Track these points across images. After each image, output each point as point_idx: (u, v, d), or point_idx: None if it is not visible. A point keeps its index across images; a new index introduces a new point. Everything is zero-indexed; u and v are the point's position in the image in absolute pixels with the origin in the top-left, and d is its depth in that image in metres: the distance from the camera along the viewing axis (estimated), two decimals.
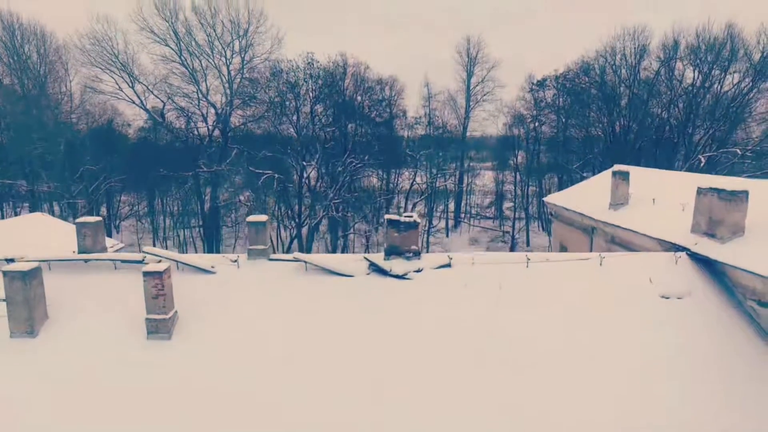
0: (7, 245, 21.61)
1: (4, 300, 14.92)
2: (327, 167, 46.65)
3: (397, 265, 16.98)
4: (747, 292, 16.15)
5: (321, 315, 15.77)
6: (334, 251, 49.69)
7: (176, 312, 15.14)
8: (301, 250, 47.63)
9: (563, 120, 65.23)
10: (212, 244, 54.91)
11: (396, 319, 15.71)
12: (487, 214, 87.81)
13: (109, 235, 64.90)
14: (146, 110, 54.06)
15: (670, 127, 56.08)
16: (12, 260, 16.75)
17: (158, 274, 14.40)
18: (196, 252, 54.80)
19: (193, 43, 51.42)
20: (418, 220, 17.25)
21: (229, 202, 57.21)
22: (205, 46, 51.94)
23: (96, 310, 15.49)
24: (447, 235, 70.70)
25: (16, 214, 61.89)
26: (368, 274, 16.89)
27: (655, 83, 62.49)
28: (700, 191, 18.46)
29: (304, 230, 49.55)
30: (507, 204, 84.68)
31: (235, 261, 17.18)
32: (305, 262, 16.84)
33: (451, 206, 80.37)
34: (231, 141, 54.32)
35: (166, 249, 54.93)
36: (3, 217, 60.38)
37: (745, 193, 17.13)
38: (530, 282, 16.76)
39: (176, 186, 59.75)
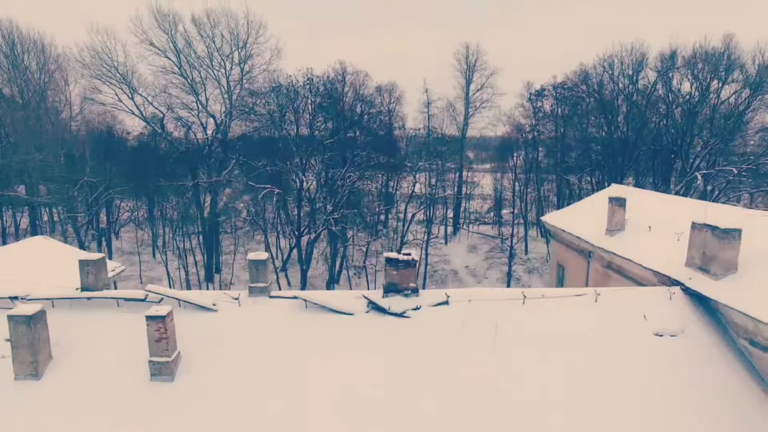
0: (11, 274, 21.91)
1: (8, 340, 15.18)
2: (326, 178, 46.86)
3: (395, 302, 17.25)
4: (740, 330, 16.44)
5: (322, 355, 16.02)
6: (333, 261, 49.99)
7: (179, 353, 15.38)
8: (300, 261, 47.86)
9: (561, 129, 65.50)
10: (212, 255, 55.15)
11: (395, 359, 15.97)
12: (486, 220, 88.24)
13: (109, 242, 65.36)
14: (146, 121, 54.22)
15: (669, 137, 56.29)
16: (16, 298, 17.00)
17: (161, 319, 14.64)
18: (195, 261, 54.91)
19: (193, 54, 51.58)
20: (416, 258, 17.51)
21: (228, 208, 57.55)
22: (205, 57, 52.15)
23: (99, 351, 15.74)
24: (446, 242, 70.96)
25: (15, 223, 62.12)
26: (367, 312, 17.17)
27: (653, 93, 62.84)
28: (695, 226, 18.74)
29: (304, 239, 49.91)
30: (506, 209, 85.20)
31: (237, 298, 17.43)
32: (305, 300, 17.10)
33: (450, 212, 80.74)
34: (230, 151, 54.55)
35: (166, 257, 55.19)
36: (3, 224, 60.59)
37: (738, 231, 17.40)
38: (526, 320, 17.03)
39: (175, 194, 60.06)
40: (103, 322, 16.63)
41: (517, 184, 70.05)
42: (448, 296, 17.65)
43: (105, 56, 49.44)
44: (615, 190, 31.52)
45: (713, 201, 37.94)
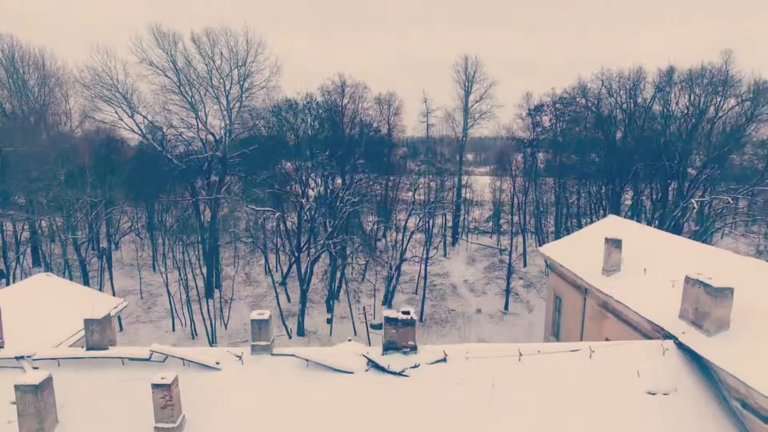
0: (17, 319, 22.23)
1: (13, 403, 15.50)
2: (326, 197, 47.22)
3: (394, 360, 17.60)
4: (732, 391, 16.79)
5: (323, 414, 16.38)
6: (332, 277, 50.32)
7: (183, 416, 15.73)
8: (300, 278, 48.03)
9: (559, 140, 65.81)
10: (212, 271, 55.47)
11: (394, 419, 16.33)
12: (485, 229, 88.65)
13: (109, 259, 65.54)
14: (145, 137, 54.45)
15: (667, 151, 56.54)
16: (22, 357, 17.34)
17: (166, 387, 14.98)
18: (194, 275, 54.99)
19: (193, 72, 51.81)
20: (414, 318, 17.87)
21: (228, 219, 57.92)
22: (204, 75, 52.39)
23: (105, 414, 16.07)
24: (445, 255, 71.34)
25: (16, 238, 62.27)
26: (367, 370, 17.52)
27: (651, 108, 63.14)
28: (688, 280, 19.10)
29: (304, 255, 50.30)
30: (504, 218, 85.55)
31: (240, 357, 17.78)
32: (306, 360, 17.47)
33: (449, 220, 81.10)
34: (230, 167, 54.87)
35: (165, 269, 55.45)
36: (3, 235, 60.80)
37: (731, 290, 17.75)
38: (522, 378, 17.39)
39: (175, 207, 60.44)
40: (108, 382, 16.96)
41: (516, 198, 70.28)
42: (446, 354, 18.01)
43: (105, 76, 49.65)
44: (612, 223, 31.87)
45: (709, 225, 38.27)
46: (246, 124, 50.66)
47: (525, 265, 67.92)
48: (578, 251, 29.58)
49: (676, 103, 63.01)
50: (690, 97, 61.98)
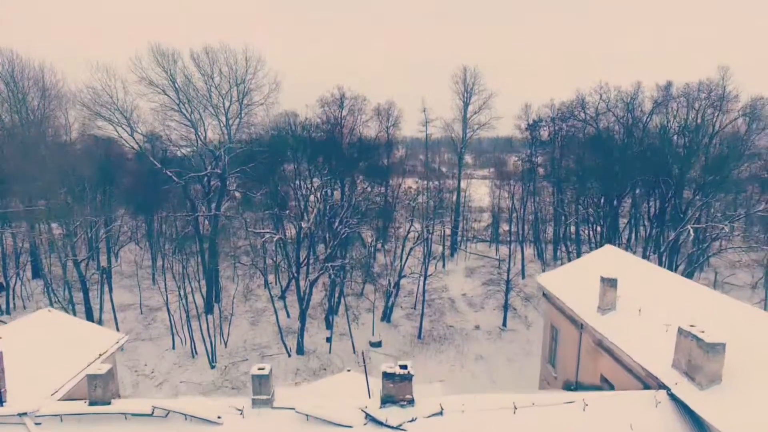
0: (19, 362, 22.50)
1: None
2: (325, 212, 47.48)
3: (392, 414, 17.90)
4: None
5: None
6: (331, 294, 50.66)
7: None
8: (299, 297, 48.27)
9: (557, 156, 66.10)
10: (211, 287, 55.77)
11: None
12: (484, 237, 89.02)
13: (109, 271, 65.81)
14: (143, 152, 54.68)
15: (665, 167, 56.85)
16: (25, 414, 17.64)
17: None
18: (192, 289, 55.08)
19: (192, 90, 51.98)
20: (412, 372, 18.17)
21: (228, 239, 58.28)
22: (203, 90, 52.57)
23: None
24: (443, 266, 71.71)
25: (16, 251, 62.48)
26: (365, 424, 17.81)
27: (648, 122, 63.47)
28: (681, 332, 19.41)
29: (302, 272, 50.66)
30: (503, 226, 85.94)
31: (241, 410, 18.08)
32: (306, 414, 17.79)
33: (448, 229, 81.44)
34: (229, 183, 55.13)
35: (165, 281, 55.64)
36: (3, 247, 61.04)
37: (722, 345, 18.04)
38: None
39: (174, 221, 60.73)
40: None
41: (515, 212, 70.56)
42: (443, 408, 18.29)
43: (105, 95, 49.75)
44: (608, 254, 32.18)
45: (704, 250, 38.56)
46: (245, 143, 50.88)
47: (523, 277, 68.30)
48: (574, 283, 29.87)
49: (674, 117, 63.43)
50: (687, 111, 62.38)
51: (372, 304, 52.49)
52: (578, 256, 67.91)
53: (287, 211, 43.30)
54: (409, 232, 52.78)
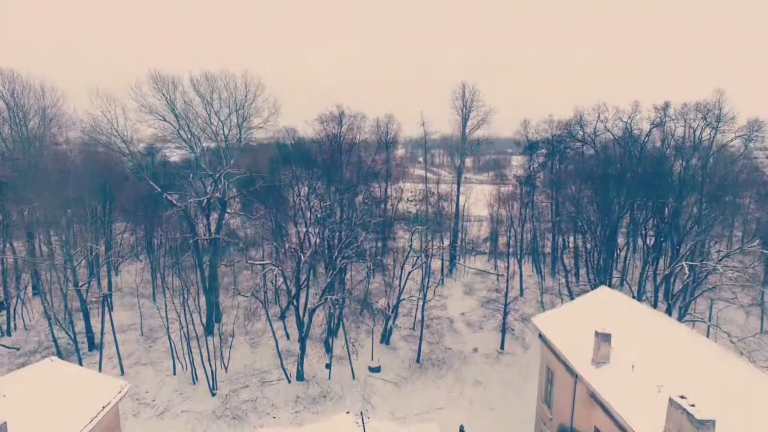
0: (22, 415, 23.00)
1: None
2: (324, 246, 47.94)
3: None
4: None
5: None
6: (329, 322, 51.07)
7: None
8: (298, 324, 48.56)
9: (555, 176, 66.47)
10: (211, 308, 56.18)
11: None
12: (483, 249, 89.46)
13: (109, 278, 66.28)
14: (144, 178, 55.01)
15: (662, 191, 57.18)
16: None
17: None
18: (190, 311, 55.25)
19: (192, 114, 52.30)
20: None
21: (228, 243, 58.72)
22: (202, 111, 52.89)
23: None
24: (442, 283, 72.16)
25: (17, 270, 62.77)
26: None
27: (647, 142, 63.80)
28: (672, 403, 19.83)
29: (303, 294, 51.08)
30: (502, 238, 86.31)
31: None
32: None
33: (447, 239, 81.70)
34: (229, 207, 55.46)
35: (165, 304, 55.86)
36: (3, 265, 61.34)
37: (712, 422, 18.47)
38: None
39: (174, 242, 61.20)
40: None
41: (512, 231, 70.87)
42: None
43: (104, 121, 49.98)
44: (603, 297, 32.58)
45: (699, 283, 38.94)
46: (244, 167, 51.30)
47: (522, 294, 68.77)
48: (570, 328, 30.28)
49: (672, 136, 63.82)
50: (685, 131, 62.79)
51: (371, 326, 52.84)
52: (576, 270, 68.59)
53: (287, 245, 43.67)
54: (407, 258, 53.07)
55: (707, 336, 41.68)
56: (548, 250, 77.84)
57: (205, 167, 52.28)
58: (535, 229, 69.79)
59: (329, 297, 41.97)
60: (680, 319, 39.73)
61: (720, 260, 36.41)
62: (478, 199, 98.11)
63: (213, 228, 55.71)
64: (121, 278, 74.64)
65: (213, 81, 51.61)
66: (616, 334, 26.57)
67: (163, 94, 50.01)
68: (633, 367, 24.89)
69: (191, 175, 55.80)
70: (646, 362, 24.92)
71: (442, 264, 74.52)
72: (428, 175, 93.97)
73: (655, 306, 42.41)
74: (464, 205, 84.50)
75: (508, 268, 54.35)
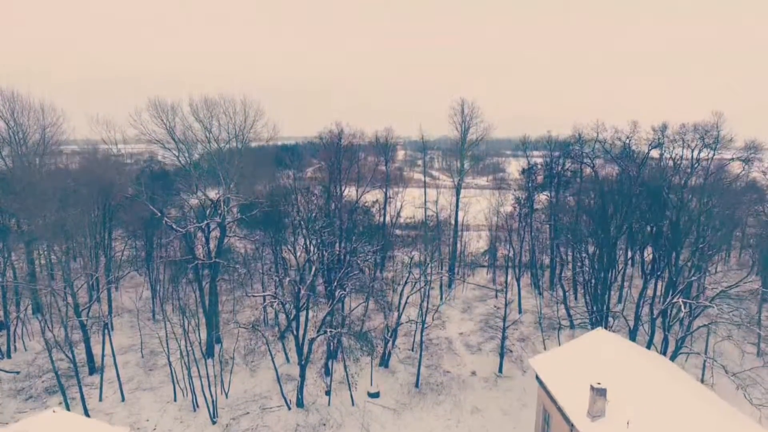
0: None
1: None
2: (324, 273, 48.19)
3: None
4: None
5: None
6: (329, 348, 51.30)
7: None
8: (298, 350, 48.77)
9: (553, 195, 66.66)
10: (212, 328, 56.41)
11: None
12: (482, 262, 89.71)
13: (109, 298, 66.54)
14: (144, 202, 55.22)
15: (660, 211, 57.42)
16: None
17: None
18: (190, 335, 55.54)
19: (192, 137, 52.49)
20: None
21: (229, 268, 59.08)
22: (202, 137, 53.06)
23: None
24: (441, 298, 72.44)
25: (17, 295, 62.98)
26: None
27: (645, 163, 63.95)
28: None
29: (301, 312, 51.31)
30: (500, 250, 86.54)
31: None
32: None
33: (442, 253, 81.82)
34: (229, 231, 55.63)
35: (165, 324, 56.17)
36: (4, 283, 61.53)
37: None
38: None
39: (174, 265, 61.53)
40: None
41: (512, 248, 71.04)
42: None
43: (103, 145, 50.13)
44: (600, 339, 32.85)
45: (694, 319, 39.19)
46: (239, 195, 51.56)
47: (520, 312, 69.12)
48: (566, 373, 30.56)
49: (670, 157, 64.02)
50: (682, 151, 63.01)
51: (370, 353, 53.06)
52: (575, 287, 68.86)
53: (287, 280, 43.89)
54: (405, 283, 53.33)
55: (703, 369, 42.07)
56: (547, 261, 78.13)
57: (204, 193, 52.48)
58: (534, 247, 69.98)
59: (328, 330, 42.21)
60: (677, 351, 40.01)
61: (713, 299, 36.63)
62: (478, 212, 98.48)
63: (213, 245, 56.02)
64: (121, 295, 75.04)
65: (212, 106, 51.77)
66: (612, 385, 26.85)
67: (163, 121, 50.19)
68: (628, 423, 25.18)
69: (192, 194, 56.01)
70: (641, 417, 25.20)
71: (441, 286, 74.85)
72: (427, 179, 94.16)
73: (652, 336, 42.69)
74: (463, 218, 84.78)
75: (506, 292, 54.51)
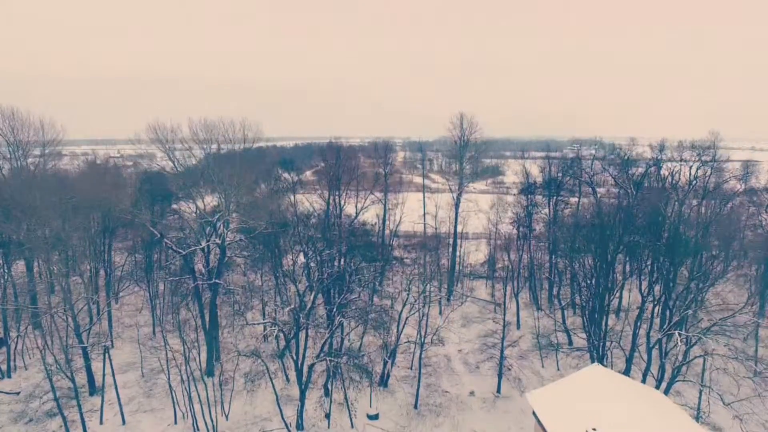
0: None
1: None
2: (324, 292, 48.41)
3: None
4: None
5: None
6: (328, 371, 51.48)
7: None
8: (299, 376, 48.94)
9: (551, 218, 66.94)
10: (212, 348, 56.68)
11: None
12: (481, 273, 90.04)
13: (109, 308, 66.64)
14: (144, 224, 55.41)
15: (657, 231, 57.67)
16: None
17: None
18: (190, 352, 55.79)
19: (193, 161, 52.65)
20: None
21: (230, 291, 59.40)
22: (204, 165, 53.20)
23: None
24: (440, 312, 72.75)
25: (18, 313, 63.08)
26: None
27: (643, 180, 64.22)
28: None
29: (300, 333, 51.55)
30: (499, 261, 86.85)
31: None
32: None
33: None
34: (229, 251, 55.85)
35: (164, 339, 56.35)
36: (4, 302, 61.62)
37: None
38: None
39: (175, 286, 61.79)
40: None
41: (510, 265, 71.30)
42: None
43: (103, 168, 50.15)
44: (596, 376, 33.14)
45: (689, 348, 39.49)
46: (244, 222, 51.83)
47: (519, 327, 69.47)
48: (563, 413, 30.83)
49: (669, 175, 64.28)
50: (680, 168, 63.27)
51: (370, 373, 53.31)
52: (573, 301, 69.13)
53: (287, 310, 44.11)
54: (405, 305, 53.59)
55: (699, 397, 42.37)
56: (545, 272, 78.46)
57: (205, 214, 52.66)
58: (532, 267, 70.28)
59: (328, 360, 42.50)
60: (673, 379, 40.32)
61: (707, 331, 36.88)
62: (477, 225, 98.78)
63: (213, 248, 56.13)
64: (121, 308, 75.22)
65: (211, 128, 51.87)
66: (608, 427, 27.15)
67: (162, 144, 50.33)
68: None
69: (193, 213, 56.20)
70: None
71: (441, 301, 75.17)
72: (427, 182, 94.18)
73: (648, 365, 43.01)
74: (462, 230, 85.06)
75: (504, 314, 54.81)
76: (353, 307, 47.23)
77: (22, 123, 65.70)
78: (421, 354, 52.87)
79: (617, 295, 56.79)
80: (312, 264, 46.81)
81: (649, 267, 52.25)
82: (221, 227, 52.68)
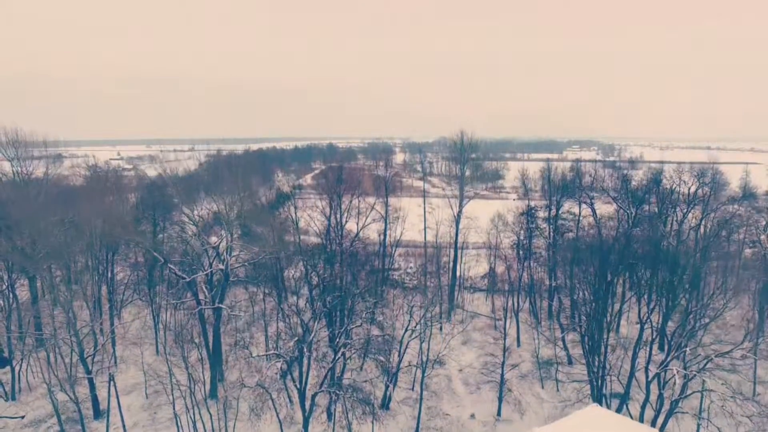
0: None
1: None
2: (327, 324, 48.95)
3: None
4: None
5: None
6: (330, 393, 51.97)
7: None
8: (302, 404, 49.23)
9: (551, 237, 67.41)
10: (215, 370, 57.21)
11: None
12: (481, 286, 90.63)
13: (111, 323, 67.09)
14: (148, 249, 55.84)
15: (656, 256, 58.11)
16: None
17: None
18: (193, 374, 56.20)
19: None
20: None
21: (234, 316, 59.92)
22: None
23: None
24: (440, 329, 73.22)
25: (20, 324, 63.37)
26: None
27: (644, 198, 64.62)
28: None
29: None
30: (500, 272, 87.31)
31: None
32: None
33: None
34: (232, 275, 56.32)
35: (169, 368, 56.66)
36: (9, 322, 61.93)
37: None
38: None
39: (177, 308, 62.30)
40: None
41: (510, 284, 71.72)
42: None
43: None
44: (594, 418, 33.69)
45: (687, 382, 39.99)
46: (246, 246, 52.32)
47: (519, 345, 70.00)
48: None
49: (670, 193, 64.72)
50: (679, 188, 63.72)
51: (370, 394, 53.84)
52: (572, 317, 69.53)
53: (291, 343, 44.53)
54: (406, 331, 54.11)
55: (698, 430, 42.93)
56: (545, 287, 78.91)
57: (207, 241, 53.13)
58: (533, 289, 70.84)
59: (330, 392, 43.09)
60: (671, 411, 40.85)
61: (703, 367, 37.33)
62: (477, 241, 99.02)
63: (216, 272, 56.54)
64: (125, 328, 75.37)
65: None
66: None
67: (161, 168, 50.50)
68: None
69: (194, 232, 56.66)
70: None
71: (440, 317, 75.60)
72: (427, 185, 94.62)
73: (647, 398, 43.58)
74: (462, 243, 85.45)
75: (504, 338, 55.32)
76: (355, 338, 47.71)
77: (26, 144, 66.19)
78: (423, 378, 53.37)
79: (614, 326, 57.29)
80: (314, 293, 47.24)
81: (647, 296, 52.72)
82: (224, 254, 53.19)
